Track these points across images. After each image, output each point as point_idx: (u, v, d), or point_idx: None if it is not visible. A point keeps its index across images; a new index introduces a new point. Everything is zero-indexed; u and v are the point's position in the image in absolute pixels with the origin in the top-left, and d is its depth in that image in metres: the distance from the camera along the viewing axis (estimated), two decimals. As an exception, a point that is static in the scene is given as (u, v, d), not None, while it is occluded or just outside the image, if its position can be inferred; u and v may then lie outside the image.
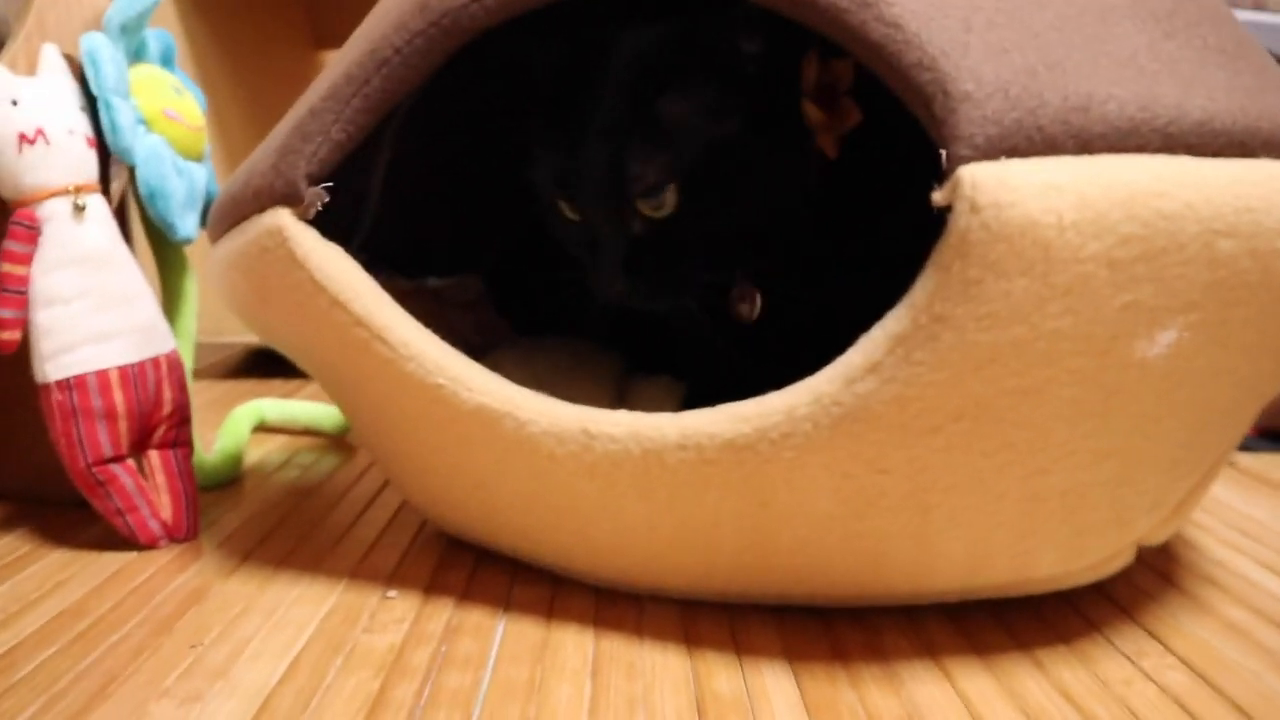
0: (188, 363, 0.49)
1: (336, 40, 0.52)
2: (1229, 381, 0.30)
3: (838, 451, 0.30)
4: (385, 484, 0.51)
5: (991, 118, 0.26)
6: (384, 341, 0.34)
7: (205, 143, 0.50)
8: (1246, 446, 0.56)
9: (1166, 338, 0.28)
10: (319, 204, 0.34)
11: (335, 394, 0.41)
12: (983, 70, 0.27)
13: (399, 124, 0.40)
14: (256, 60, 0.92)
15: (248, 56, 0.90)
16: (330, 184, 0.34)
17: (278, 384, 0.77)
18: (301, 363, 0.40)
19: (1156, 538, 0.35)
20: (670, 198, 0.36)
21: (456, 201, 0.51)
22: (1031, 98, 0.26)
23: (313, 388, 0.74)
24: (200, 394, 0.72)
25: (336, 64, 0.35)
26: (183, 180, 0.47)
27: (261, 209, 0.35)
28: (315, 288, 0.34)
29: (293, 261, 0.34)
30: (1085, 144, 0.26)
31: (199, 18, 0.82)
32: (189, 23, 0.81)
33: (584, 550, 0.36)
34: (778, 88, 0.35)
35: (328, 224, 0.35)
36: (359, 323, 0.34)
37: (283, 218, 0.34)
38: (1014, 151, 0.26)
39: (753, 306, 0.39)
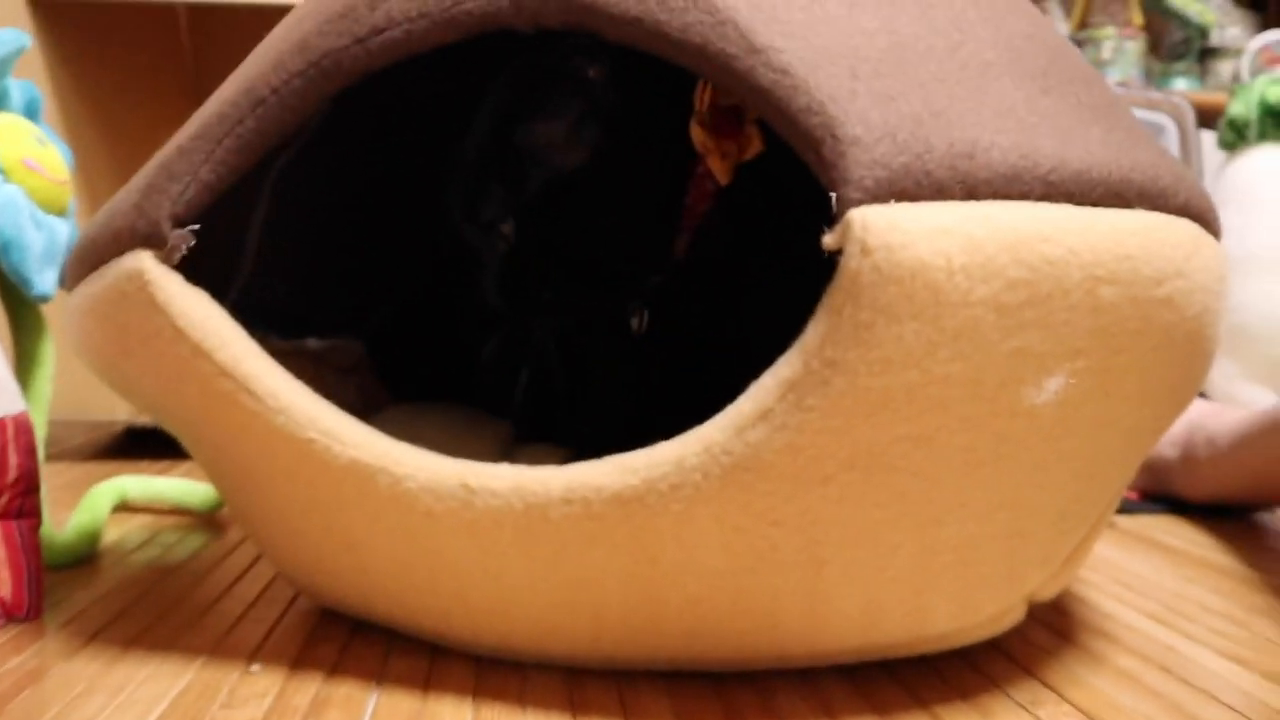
0: (39, 430, 0.45)
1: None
2: (1114, 431, 0.30)
3: (728, 503, 0.29)
4: (256, 559, 0.48)
5: (880, 161, 0.26)
6: (250, 393, 0.32)
7: (70, 197, 0.47)
8: (1125, 509, 0.57)
9: (1054, 384, 0.28)
10: (184, 248, 0.32)
11: (200, 455, 0.38)
12: (870, 115, 0.26)
13: (278, 175, 0.38)
14: (129, 117, 0.88)
15: (120, 112, 0.87)
16: (197, 226, 0.32)
17: (145, 465, 0.73)
18: (164, 421, 0.38)
19: (1047, 592, 0.35)
20: (509, 229, 0.35)
21: (339, 260, 0.49)
22: (919, 143, 0.26)
23: (183, 468, 0.70)
24: (59, 474, 0.67)
25: (210, 103, 0.34)
26: (41, 233, 0.44)
27: (121, 251, 0.32)
28: (176, 335, 0.32)
29: (153, 307, 0.32)
30: (971, 190, 0.26)
31: (68, 72, 0.79)
32: (58, 77, 0.78)
33: (463, 615, 0.34)
34: (645, 114, 0.36)
35: (198, 277, 0.33)
36: (223, 373, 0.32)
37: (144, 260, 0.32)
38: (903, 195, 0.26)
39: (640, 322, 0.39)
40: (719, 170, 0.36)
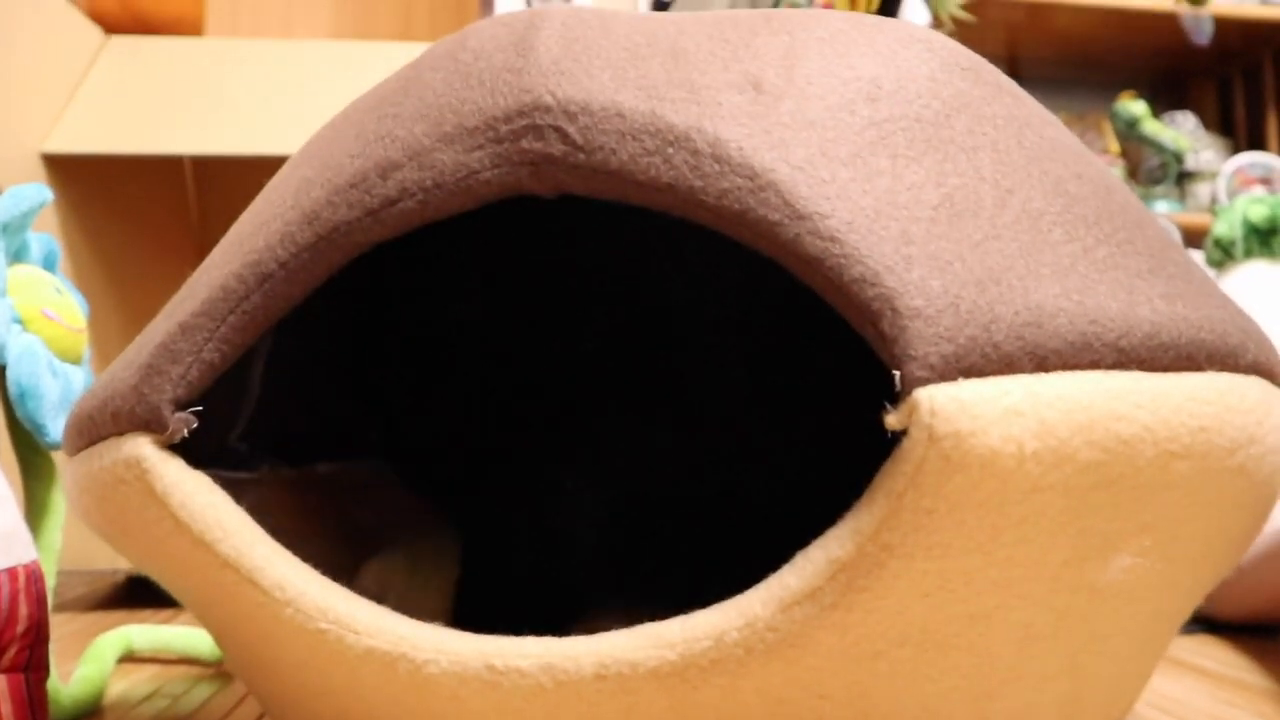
0: (49, 579, 0.43)
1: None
2: (1174, 593, 0.28)
3: (773, 678, 0.26)
4: (264, 712, 0.45)
5: (945, 336, 0.23)
6: (256, 585, 0.28)
7: (85, 346, 0.46)
8: None
9: (1121, 561, 0.25)
10: (185, 431, 0.29)
11: (209, 629, 0.35)
12: (930, 284, 0.24)
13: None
14: (136, 266, 0.87)
15: (127, 262, 0.86)
16: (199, 408, 0.29)
17: (149, 614, 0.69)
18: (171, 593, 0.35)
19: None
20: None
21: (346, 378, 0.47)
22: (983, 313, 0.24)
23: (188, 616, 0.67)
24: (63, 625, 0.64)
25: (210, 270, 0.31)
26: (58, 382, 0.42)
27: (120, 432, 0.29)
28: (176, 525, 0.28)
29: (151, 496, 0.28)
30: (1041, 361, 0.23)
31: (77, 224, 0.78)
32: (67, 228, 0.76)
33: None
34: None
35: (203, 426, 0.30)
36: (226, 564, 0.29)
37: (142, 448, 0.29)
38: (970, 371, 0.23)
39: None
40: None
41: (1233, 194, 1.04)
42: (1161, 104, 2.08)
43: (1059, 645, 0.26)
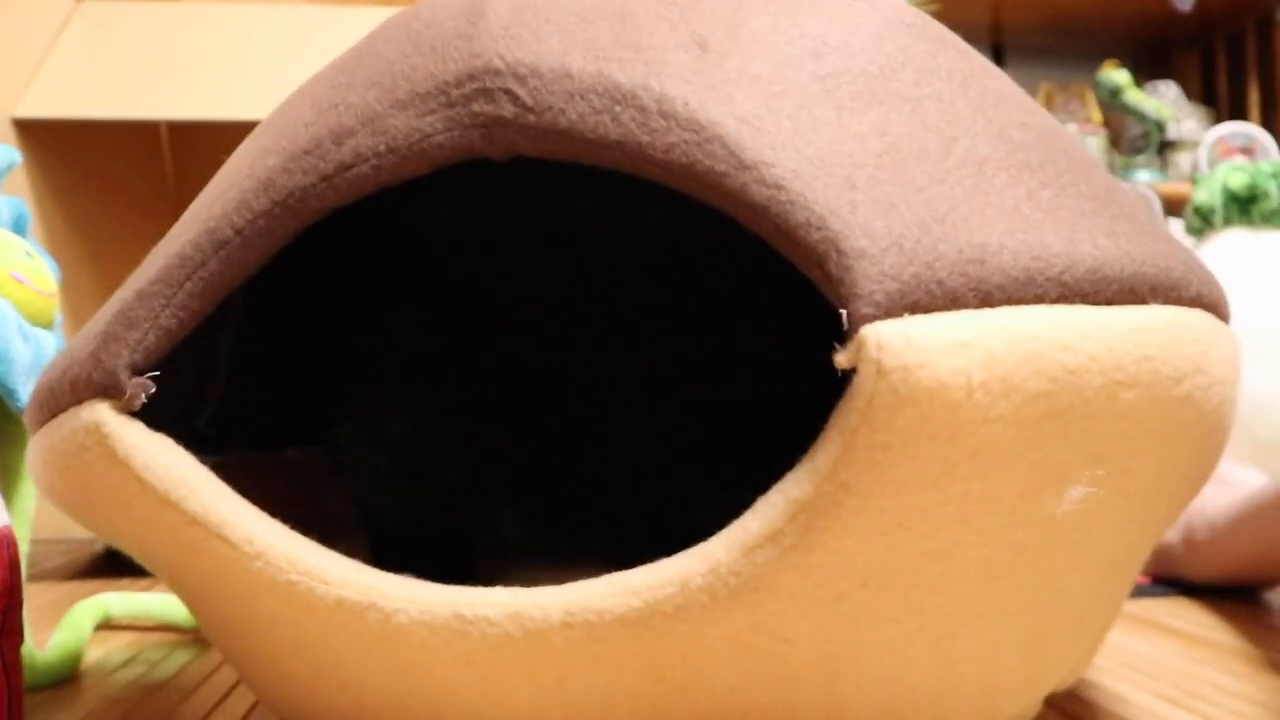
0: (23, 545, 0.43)
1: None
2: (1131, 528, 0.28)
3: (737, 623, 0.26)
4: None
5: (889, 273, 0.24)
6: (224, 539, 0.29)
7: (56, 310, 0.46)
8: (1132, 594, 0.56)
9: (1075, 493, 0.26)
10: (144, 395, 0.29)
11: (182, 597, 0.35)
12: (874, 226, 0.24)
13: (246, 289, 0.37)
14: (111, 232, 0.86)
15: (102, 228, 0.85)
16: (156, 374, 0.29)
17: (127, 583, 0.69)
18: (143, 562, 0.35)
19: (1063, 685, 0.33)
20: None
21: (311, 368, 0.48)
22: (927, 251, 0.24)
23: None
24: (40, 594, 0.64)
25: (169, 241, 0.31)
26: (29, 346, 0.42)
27: (79, 401, 0.29)
28: (142, 487, 0.29)
29: (113, 460, 0.29)
30: (985, 296, 0.24)
31: (51, 189, 0.78)
32: (41, 194, 0.76)
33: None
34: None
35: (169, 403, 0.30)
36: (194, 521, 0.29)
37: (101, 413, 0.29)
38: (916, 307, 0.24)
39: None
40: None
41: (1214, 163, 1.05)
42: (1144, 73, 2.09)
43: (1019, 582, 0.27)
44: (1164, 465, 0.27)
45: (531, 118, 0.26)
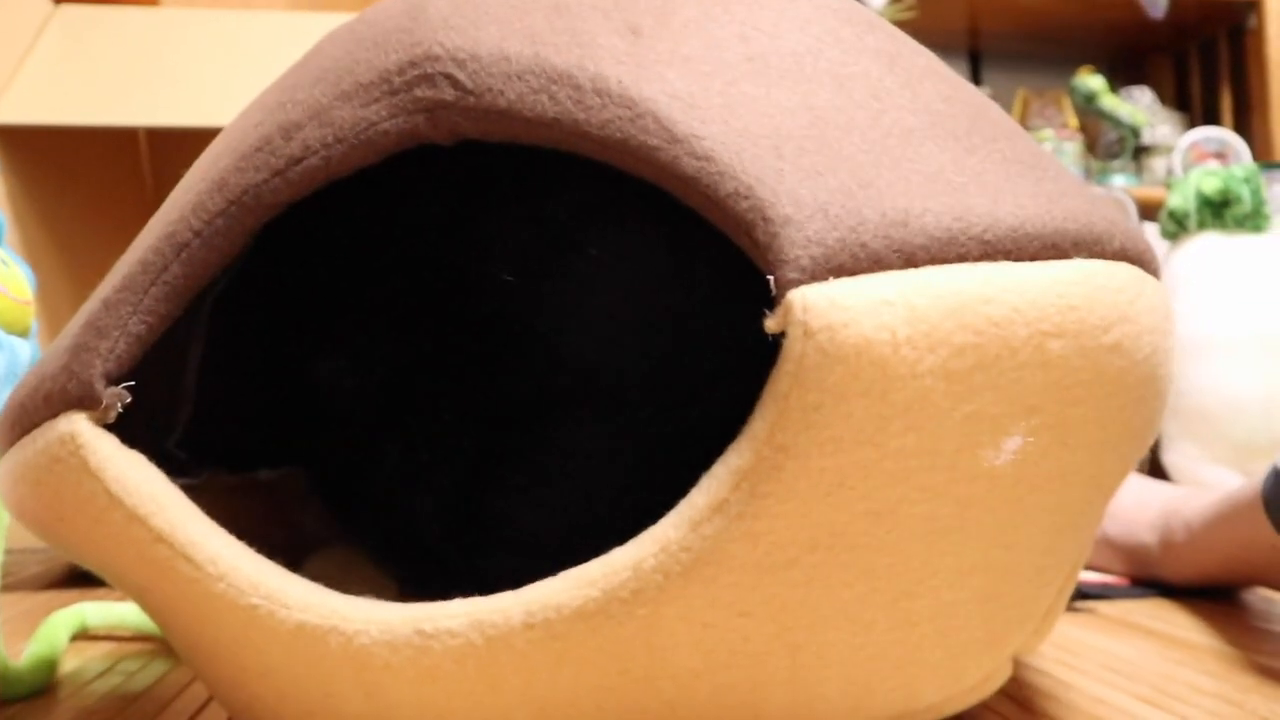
0: (-3, 555, 0.43)
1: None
2: (1077, 481, 0.29)
3: (693, 600, 0.27)
4: None
5: (814, 239, 0.24)
6: (189, 560, 0.29)
7: (32, 318, 0.46)
8: (1110, 595, 0.56)
9: (1011, 444, 0.26)
10: (119, 406, 0.29)
11: (149, 614, 0.35)
12: (800, 193, 0.25)
13: (211, 310, 0.37)
14: (88, 240, 0.86)
15: (79, 236, 0.84)
16: (131, 383, 0.30)
17: (104, 593, 0.69)
18: (112, 583, 0.36)
19: (1030, 647, 0.33)
20: None
21: (280, 386, 0.48)
22: (851, 216, 0.25)
23: None
24: (15, 604, 0.63)
25: (132, 251, 0.32)
26: (3, 354, 0.42)
27: (54, 414, 0.30)
28: (111, 501, 0.29)
29: (85, 472, 0.29)
30: (909, 257, 0.25)
31: (27, 196, 0.78)
32: (17, 201, 0.76)
33: None
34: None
35: (139, 424, 0.31)
36: (159, 539, 0.29)
37: (77, 423, 0.29)
38: (841, 270, 0.24)
39: None
40: None
41: (1188, 168, 1.06)
42: (1119, 79, 2.11)
43: (968, 539, 0.27)
44: (1103, 416, 0.28)
45: (472, 99, 0.27)
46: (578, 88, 0.27)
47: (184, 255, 0.29)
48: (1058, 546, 0.30)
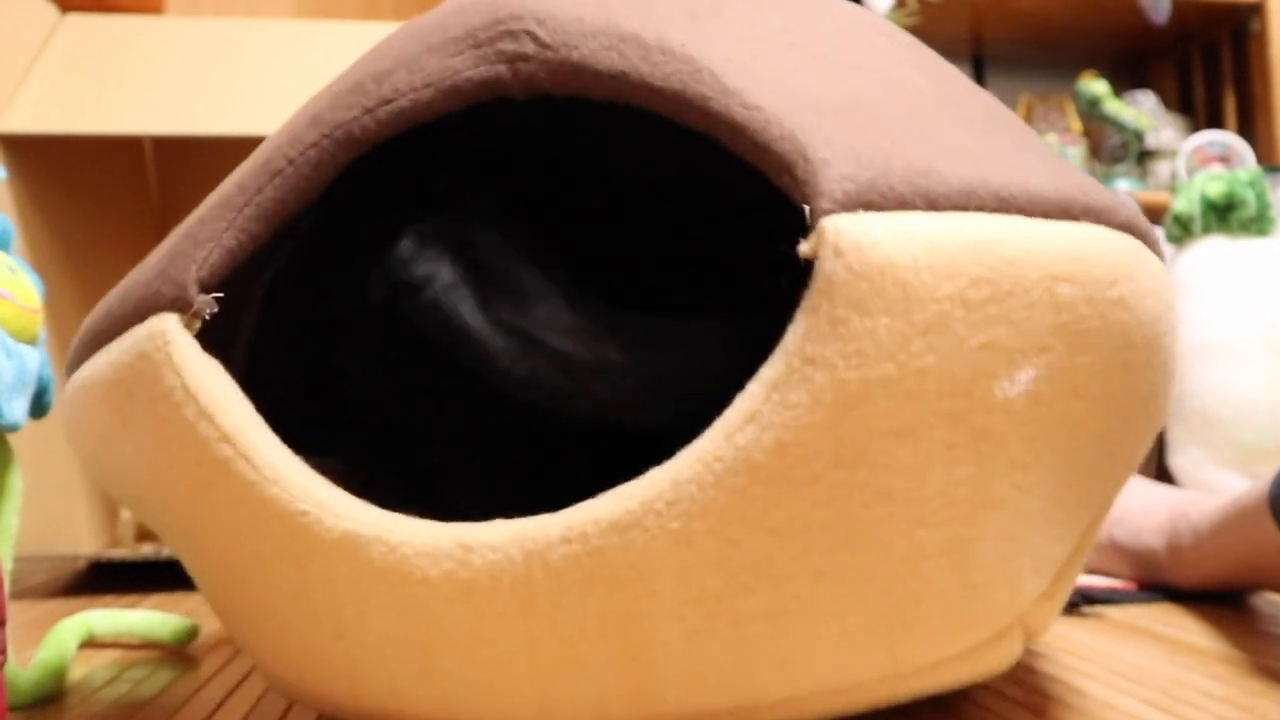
0: (6, 562, 0.43)
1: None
2: (1086, 434, 0.30)
3: (723, 513, 0.28)
4: (230, 692, 0.45)
5: (848, 175, 0.27)
6: (248, 460, 0.31)
7: (40, 326, 0.47)
8: (1118, 600, 0.56)
9: (1024, 377, 0.28)
10: (206, 313, 0.32)
11: (182, 545, 0.37)
12: (835, 141, 0.28)
13: (268, 285, 0.38)
14: (95, 248, 0.87)
15: (85, 243, 0.86)
16: (220, 294, 0.32)
17: (111, 599, 0.69)
18: (145, 511, 0.36)
19: (1042, 617, 0.34)
20: None
21: (320, 377, 0.49)
22: (880, 163, 0.28)
23: (152, 601, 0.67)
24: (23, 612, 0.64)
25: (230, 177, 0.35)
26: (12, 362, 0.43)
27: (143, 318, 0.32)
28: (186, 396, 0.31)
29: (169, 366, 0.32)
30: (931, 202, 0.28)
31: (34, 204, 0.79)
32: (25, 212, 0.77)
33: (461, 696, 0.32)
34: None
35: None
36: (224, 437, 0.31)
37: (168, 321, 0.32)
38: (870, 206, 0.27)
39: None
40: None
41: (1192, 171, 1.07)
42: (1122, 83, 2.12)
43: (984, 473, 0.29)
44: (1109, 370, 0.30)
45: (549, 53, 0.31)
46: (644, 45, 0.30)
47: (277, 180, 0.32)
48: (1068, 499, 0.31)
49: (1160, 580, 0.58)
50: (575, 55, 0.31)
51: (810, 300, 0.27)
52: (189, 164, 0.97)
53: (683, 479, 0.29)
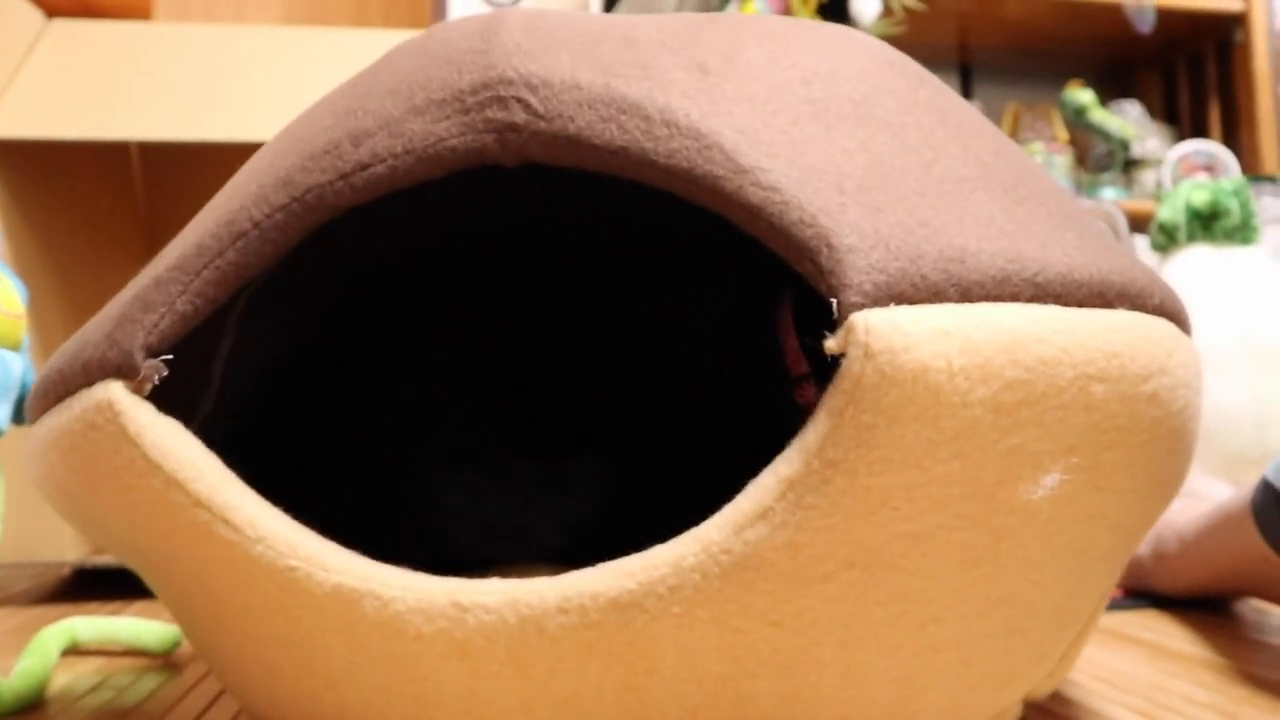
0: (-12, 570, 0.43)
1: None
2: (1105, 526, 0.29)
3: (728, 604, 0.27)
4: (214, 699, 0.44)
5: (877, 266, 0.26)
6: (228, 523, 0.29)
7: (24, 332, 0.46)
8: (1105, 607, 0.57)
9: (1049, 481, 0.27)
10: (156, 378, 0.30)
11: (169, 595, 0.35)
12: (862, 225, 0.26)
13: (244, 308, 0.37)
14: (81, 254, 0.85)
15: (71, 249, 0.83)
16: (169, 356, 0.30)
17: (95, 606, 0.68)
18: (129, 560, 0.35)
19: (1042, 691, 0.33)
20: None
21: (301, 395, 0.48)
22: (911, 249, 0.26)
23: (136, 608, 0.65)
24: (6, 619, 0.62)
25: (187, 234, 0.32)
26: (-4, 367, 0.43)
27: (91, 382, 0.30)
28: (149, 466, 0.29)
29: (124, 438, 0.30)
30: (965, 292, 0.26)
31: (19, 210, 0.77)
32: (9, 217, 0.74)
33: None
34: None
35: (165, 406, 0.31)
36: (198, 503, 0.29)
37: (114, 391, 0.30)
38: (901, 298, 0.25)
39: None
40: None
41: (1177, 180, 1.08)
42: (1108, 93, 2.14)
43: (1000, 571, 0.28)
44: (1134, 463, 0.28)
45: (542, 124, 0.28)
46: (646, 118, 0.28)
47: (240, 244, 0.30)
48: (1080, 590, 0.31)
49: (1145, 587, 0.58)
50: (570, 128, 0.28)
51: (835, 401, 0.25)
52: (175, 169, 0.96)
53: (685, 566, 0.27)
